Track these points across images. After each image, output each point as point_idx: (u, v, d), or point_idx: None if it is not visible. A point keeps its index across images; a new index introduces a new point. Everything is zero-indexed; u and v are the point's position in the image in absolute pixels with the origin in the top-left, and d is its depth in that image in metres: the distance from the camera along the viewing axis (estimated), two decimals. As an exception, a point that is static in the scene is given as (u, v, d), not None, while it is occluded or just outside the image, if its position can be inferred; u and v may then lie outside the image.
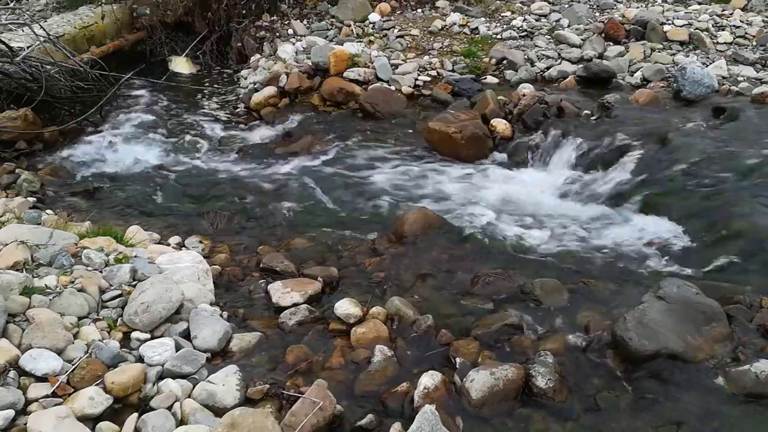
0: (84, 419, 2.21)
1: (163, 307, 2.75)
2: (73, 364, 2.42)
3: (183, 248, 3.70)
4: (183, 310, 2.85)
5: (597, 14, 7.47)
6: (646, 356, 2.60)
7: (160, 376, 2.48)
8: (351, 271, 3.55)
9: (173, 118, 6.37)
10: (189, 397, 2.40)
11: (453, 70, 6.55)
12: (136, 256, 3.25)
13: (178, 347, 2.62)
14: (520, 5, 7.81)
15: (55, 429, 2.09)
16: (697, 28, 6.79)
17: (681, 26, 6.84)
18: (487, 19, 7.56)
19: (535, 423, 2.40)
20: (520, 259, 3.76)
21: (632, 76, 6.12)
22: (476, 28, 7.34)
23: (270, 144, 5.78)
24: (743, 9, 7.28)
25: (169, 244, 3.73)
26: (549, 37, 7.04)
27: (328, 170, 5.17)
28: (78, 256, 3.12)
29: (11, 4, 7.73)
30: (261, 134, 5.97)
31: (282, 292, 3.17)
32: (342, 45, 6.81)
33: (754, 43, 6.61)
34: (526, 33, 7.20)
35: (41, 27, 6.01)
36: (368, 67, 6.49)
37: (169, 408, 2.32)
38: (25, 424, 2.13)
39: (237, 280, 3.41)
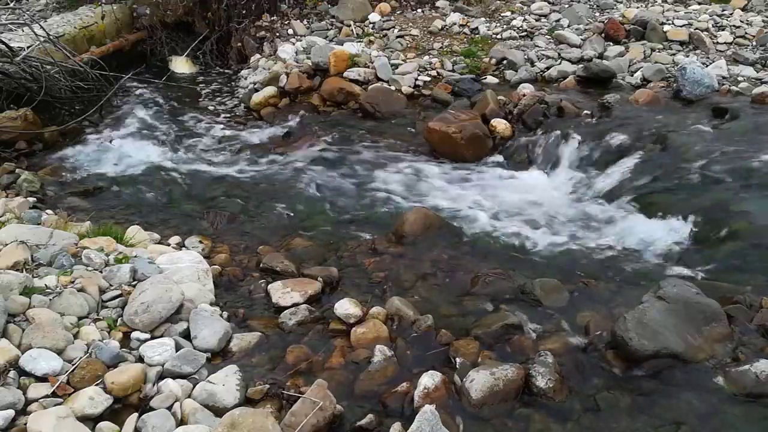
0: (84, 419, 2.21)
1: (163, 307, 2.75)
2: (73, 364, 2.42)
3: (183, 248, 3.70)
4: (183, 310, 2.84)
5: (597, 14, 7.47)
6: (646, 356, 2.60)
7: (160, 376, 2.48)
8: (351, 271, 3.55)
9: (173, 118, 6.37)
10: (189, 397, 2.40)
11: (453, 70, 6.55)
12: (136, 256, 3.25)
13: (178, 347, 2.62)
14: (520, 5, 7.80)
15: (55, 429, 2.09)
16: (697, 28, 6.78)
17: (681, 26, 6.84)
18: (487, 19, 7.56)
19: (535, 423, 2.40)
20: (520, 259, 3.76)
21: (632, 76, 6.12)
22: (476, 28, 7.34)
23: (270, 144, 5.77)
24: (743, 9, 7.27)
25: (169, 244, 3.73)
26: (549, 37, 7.04)
27: (328, 170, 5.17)
28: (78, 256, 3.12)
29: (11, 4, 7.72)
30: (261, 134, 5.97)
31: (282, 292, 3.17)
32: (342, 45, 6.81)
33: (754, 43, 6.61)
34: (526, 33, 7.20)
35: (41, 27, 6.00)
36: (368, 67, 6.49)
37: (169, 408, 2.32)
38: (25, 424, 2.13)
39: (237, 280, 3.41)
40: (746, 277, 3.37)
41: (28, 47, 5.67)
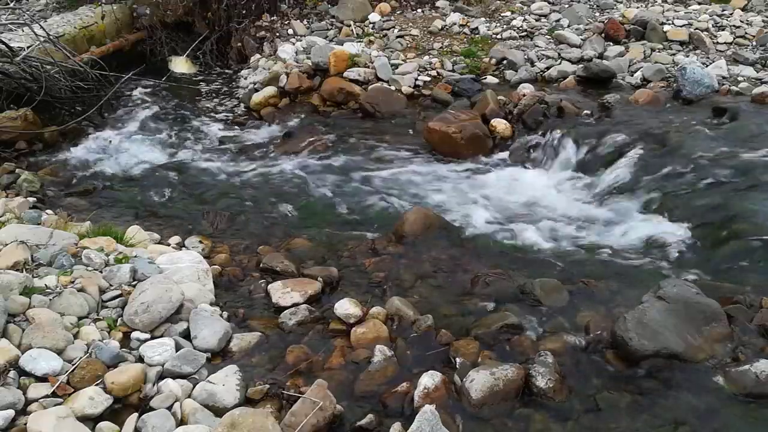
0: (84, 419, 2.21)
1: (163, 307, 2.75)
2: (73, 364, 2.42)
3: (183, 248, 3.70)
4: (183, 310, 2.84)
5: (597, 14, 7.46)
6: (646, 356, 2.60)
7: (160, 376, 2.48)
8: (351, 271, 3.55)
9: (173, 118, 6.38)
10: (189, 397, 2.40)
11: (453, 70, 6.55)
12: (136, 256, 3.25)
13: (178, 347, 2.62)
14: (520, 5, 7.80)
15: (55, 429, 2.09)
16: (697, 28, 6.79)
17: (681, 26, 6.84)
18: (487, 19, 7.56)
19: (535, 423, 2.40)
20: (520, 259, 3.76)
21: (632, 76, 6.12)
22: (476, 28, 7.34)
23: (270, 144, 5.78)
24: (743, 9, 7.27)
25: (169, 244, 3.72)
26: (549, 37, 7.04)
27: (328, 170, 5.17)
28: (78, 256, 3.12)
29: (11, 4, 7.72)
30: (261, 134, 5.97)
31: (282, 292, 3.17)
32: (342, 45, 6.81)
33: (754, 43, 6.61)
34: (526, 33, 7.20)
35: (41, 27, 5.99)
36: (368, 67, 6.49)
37: (169, 408, 2.32)
38: (25, 424, 2.13)
39: (237, 280, 3.41)
40: (746, 277, 3.37)
41: (28, 47, 5.66)
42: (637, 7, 7.42)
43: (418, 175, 5.03)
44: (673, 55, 6.43)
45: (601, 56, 6.53)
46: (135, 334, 2.68)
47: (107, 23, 7.64)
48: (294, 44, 7.14)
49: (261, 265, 3.52)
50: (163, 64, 7.80)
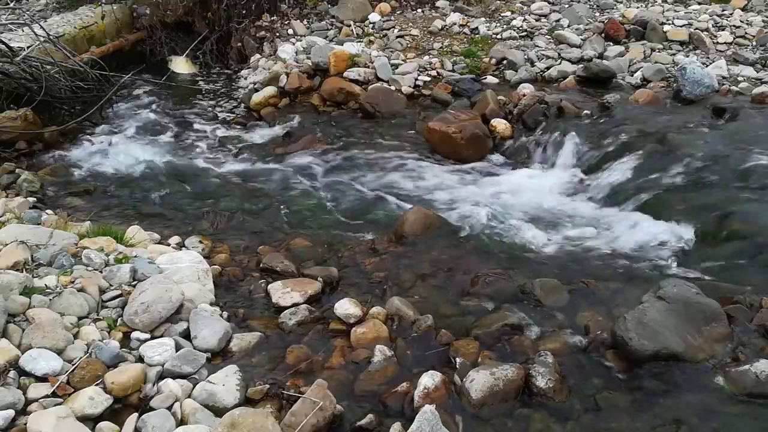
0: (84, 419, 2.21)
1: (163, 307, 2.75)
2: (73, 364, 2.42)
3: (183, 248, 3.70)
4: (183, 310, 2.85)
5: (597, 14, 7.47)
6: (646, 356, 2.60)
7: (160, 376, 2.48)
8: (351, 271, 3.55)
9: (173, 118, 6.37)
10: (189, 397, 2.41)
11: (453, 70, 6.55)
12: (136, 256, 3.25)
13: (178, 347, 2.62)
14: (520, 5, 7.80)
15: (55, 429, 2.09)
16: (697, 28, 6.79)
17: (681, 26, 6.84)
18: (487, 19, 7.56)
19: (535, 423, 2.41)
20: (520, 259, 3.76)
21: (632, 76, 6.12)
22: (476, 28, 7.34)
23: (270, 144, 5.78)
24: (743, 9, 7.27)
25: (169, 244, 3.73)
26: (549, 37, 7.05)
27: (328, 170, 5.17)
28: (78, 256, 3.12)
29: (11, 4, 7.72)
30: (261, 134, 5.97)
31: (282, 292, 3.17)
32: (342, 45, 6.81)
33: (754, 43, 6.61)
34: (526, 33, 7.20)
35: (41, 27, 5.99)
36: (368, 67, 6.49)
37: (169, 408, 2.32)
38: (25, 424, 2.13)
39: (237, 280, 3.41)
40: (746, 277, 3.37)
41: (28, 47, 5.66)
42: (637, 7, 7.42)
43: (417, 175, 5.03)
44: (673, 55, 6.43)
45: (601, 56, 6.53)
46: (135, 334, 2.68)
47: (107, 23, 7.64)
48: (294, 44, 7.14)
49: (261, 265, 3.52)
50: (163, 64, 7.80)
